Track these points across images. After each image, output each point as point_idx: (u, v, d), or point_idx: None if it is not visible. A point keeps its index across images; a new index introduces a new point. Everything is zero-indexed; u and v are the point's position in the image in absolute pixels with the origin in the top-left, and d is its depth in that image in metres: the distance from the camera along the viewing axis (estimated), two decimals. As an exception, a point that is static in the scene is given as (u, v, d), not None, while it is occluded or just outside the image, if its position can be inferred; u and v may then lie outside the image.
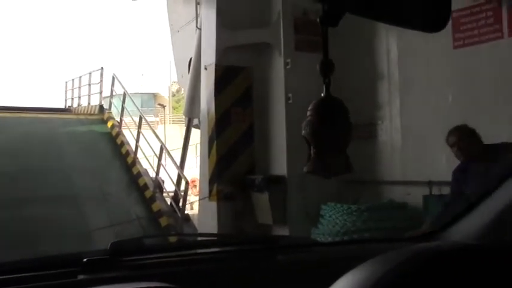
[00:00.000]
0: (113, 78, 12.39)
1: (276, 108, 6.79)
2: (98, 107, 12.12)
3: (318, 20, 0.94)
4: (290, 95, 6.63)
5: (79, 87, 14.38)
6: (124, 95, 11.12)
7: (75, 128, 11.08)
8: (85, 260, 1.53)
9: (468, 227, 1.61)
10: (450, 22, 4.42)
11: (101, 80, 13.04)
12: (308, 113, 1.03)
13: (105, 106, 12.57)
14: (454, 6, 5.56)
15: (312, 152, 1.02)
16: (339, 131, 1.03)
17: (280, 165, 6.65)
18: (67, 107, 15.09)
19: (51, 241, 5.96)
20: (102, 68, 13.28)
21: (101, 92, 12.71)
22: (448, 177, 5.68)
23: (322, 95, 1.05)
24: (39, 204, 7.51)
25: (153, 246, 1.88)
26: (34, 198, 7.57)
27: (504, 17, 5.33)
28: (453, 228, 1.70)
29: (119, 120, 11.12)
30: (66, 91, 15.53)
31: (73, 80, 15.03)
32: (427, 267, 1.03)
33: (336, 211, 6.02)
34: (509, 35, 5.28)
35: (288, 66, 6.70)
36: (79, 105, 13.96)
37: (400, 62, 6.37)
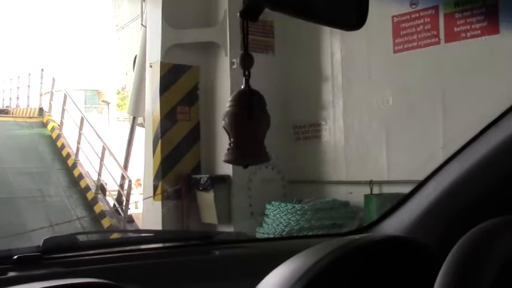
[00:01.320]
0: (53, 79, 12.12)
1: (222, 107, 6.79)
2: (37, 110, 11.80)
3: (238, 14, 0.96)
4: (235, 94, 6.63)
5: (17, 88, 13.96)
6: (65, 96, 10.86)
7: (14, 132, 10.76)
8: (15, 257, 1.49)
9: (399, 221, 1.68)
10: (390, 27, 4.56)
11: (41, 82, 12.71)
12: (228, 104, 1.06)
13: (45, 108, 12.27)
14: (395, 11, 5.77)
15: (230, 141, 1.04)
16: (257, 122, 1.06)
17: (225, 165, 6.64)
18: (4, 107, 14.59)
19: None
20: (42, 69, 12.98)
21: (40, 95, 12.38)
22: (388, 177, 5.90)
23: (242, 87, 1.08)
24: None
25: (88, 243, 1.85)
26: None
27: (441, 23, 5.56)
28: (385, 222, 1.76)
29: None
30: (3, 90, 15.01)
31: (11, 79, 14.54)
32: (354, 256, 1.07)
33: (280, 210, 6.09)
34: (446, 40, 5.51)
35: (233, 66, 6.72)
36: (17, 106, 13.55)
37: (344, 64, 6.53)
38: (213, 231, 2.20)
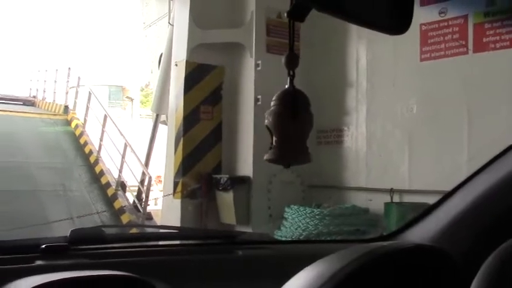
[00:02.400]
0: (79, 78, 12.37)
1: (245, 109, 6.82)
2: (62, 107, 12.05)
3: (285, 14, 0.97)
4: (259, 96, 6.66)
5: (44, 81, 14.28)
6: (89, 94, 11.06)
7: (39, 128, 10.99)
8: (43, 246, 1.51)
9: (424, 230, 1.66)
10: (418, 35, 4.52)
11: (67, 80, 12.94)
12: (272, 103, 1.06)
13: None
14: (423, 19, 5.74)
15: (273, 141, 1.04)
16: (300, 122, 1.06)
17: (246, 166, 6.68)
18: (31, 96, 14.94)
19: (8, 231, 5.86)
20: (69, 68, 13.25)
21: (66, 92, 12.63)
22: (409, 186, 5.85)
23: (286, 86, 1.08)
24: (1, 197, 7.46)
25: (114, 236, 1.86)
26: None
27: (470, 33, 5.50)
28: (409, 231, 1.75)
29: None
30: (31, 80, 15.38)
31: (39, 71, 14.90)
32: (381, 263, 1.07)
33: (299, 214, 6.08)
34: (474, 51, 5.44)
35: (258, 68, 6.74)
36: (43, 99, 13.85)
37: (369, 70, 6.50)
38: (236, 231, 2.20)
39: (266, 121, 1.05)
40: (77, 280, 1.34)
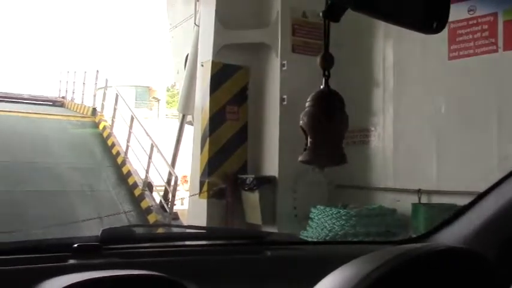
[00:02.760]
0: (106, 80, 12.57)
1: (271, 109, 6.82)
2: (91, 110, 12.28)
3: (320, 14, 0.96)
4: (285, 96, 6.65)
5: (73, 82, 14.57)
6: (116, 96, 11.24)
7: (69, 131, 11.23)
8: (75, 245, 1.54)
9: (456, 233, 1.64)
10: (446, 34, 4.45)
11: (96, 83, 13.17)
12: (307, 104, 1.06)
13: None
14: (451, 17, 5.65)
15: (308, 142, 1.04)
16: (336, 123, 1.05)
17: (271, 166, 6.68)
18: (60, 97, 15.26)
19: (38, 228, 6.01)
20: (97, 71, 13.45)
21: (94, 95, 12.85)
22: (437, 187, 5.77)
23: (321, 87, 1.08)
24: (30, 197, 7.64)
25: (143, 236, 1.89)
26: (25, 192, 7.80)
27: (500, 31, 5.39)
28: (441, 233, 1.73)
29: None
30: (60, 81, 15.71)
31: (68, 72, 15.20)
32: (415, 265, 1.05)
33: (325, 214, 6.04)
34: (504, 49, 5.33)
35: (284, 68, 6.73)
36: (72, 100, 14.14)
37: (396, 70, 6.42)
38: (264, 232, 2.20)
39: (301, 122, 1.04)
40: (109, 279, 1.36)
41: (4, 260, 1.46)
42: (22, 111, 11.72)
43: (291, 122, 6.54)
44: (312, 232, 6.11)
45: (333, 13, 0.94)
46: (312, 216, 6.20)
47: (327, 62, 1.05)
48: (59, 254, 1.51)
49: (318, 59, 1.07)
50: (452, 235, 1.61)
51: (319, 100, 1.05)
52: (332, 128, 1.05)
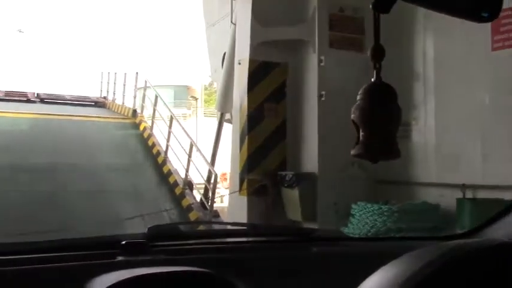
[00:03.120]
0: (145, 82, 12.81)
1: (309, 105, 6.78)
2: (131, 111, 12.54)
3: (370, 6, 0.94)
4: (323, 92, 6.60)
5: (114, 84, 14.90)
6: (156, 97, 11.44)
7: (110, 132, 11.51)
8: (123, 242, 1.57)
9: (505, 227, 1.59)
10: (489, 24, 4.29)
11: (135, 85, 13.43)
12: (358, 97, 1.04)
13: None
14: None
15: (360, 135, 1.02)
16: (388, 116, 1.03)
17: (311, 162, 6.64)
18: (101, 97, 15.66)
19: (84, 226, 6.17)
20: (136, 72, 13.71)
21: (134, 97, 13.12)
22: (483, 181, 5.60)
23: (373, 79, 1.05)
24: (75, 196, 7.87)
25: (188, 233, 1.91)
26: (70, 191, 8.05)
27: (547, 18, 5.19)
28: (489, 228, 1.68)
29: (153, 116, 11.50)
30: (101, 82, 16.12)
31: (109, 73, 15.56)
32: (466, 262, 1.02)
33: (366, 211, 5.98)
34: (552, 37, 5.14)
35: (321, 64, 6.68)
36: (113, 100, 14.48)
37: (437, 62, 6.28)
38: (309, 228, 2.19)
39: (352, 115, 1.02)
40: (158, 276, 1.38)
41: (55, 257, 1.50)
42: (66, 114, 12.04)
43: (330, 118, 6.54)
44: (353, 228, 6.06)
45: (382, 4, 0.92)
46: (353, 213, 6.14)
47: (378, 54, 1.02)
48: (107, 251, 1.55)
49: (369, 52, 1.04)
50: (501, 230, 1.56)
51: (371, 93, 1.03)
52: (385, 121, 1.02)
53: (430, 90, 6.34)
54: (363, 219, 5.99)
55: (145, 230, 1.67)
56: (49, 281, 1.42)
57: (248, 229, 2.11)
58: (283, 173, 6.70)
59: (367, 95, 1.02)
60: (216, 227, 1.99)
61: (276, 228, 2.40)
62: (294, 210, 6.57)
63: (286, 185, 6.60)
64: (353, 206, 6.16)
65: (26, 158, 8.93)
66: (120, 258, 1.53)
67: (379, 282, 0.98)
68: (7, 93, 15.00)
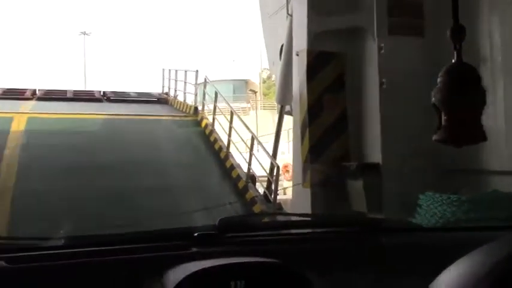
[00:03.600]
0: (205, 79, 13.05)
1: (370, 94, 6.65)
2: (193, 108, 12.82)
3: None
4: (384, 80, 6.46)
5: (175, 81, 15.28)
6: (216, 94, 11.64)
7: (174, 130, 11.84)
8: (196, 234, 1.60)
9: None
10: None
11: (196, 83, 13.67)
12: (439, 80, 0.99)
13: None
14: None
15: (442, 120, 0.97)
16: (472, 97, 0.98)
17: (375, 152, 6.51)
18: (163, 93, 16.12)
19: (151, 220, 6.36)
20: (197, 70, 14.00)
21: (195, 95, 13.39)
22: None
23: (453, 61, 1.01)
24: (141, 191, 8.14)
25: (257, 225, 1.91)
26: (137, 187, 8.30)
27: None
28: None
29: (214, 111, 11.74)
30: (163, 78, 16.61)
31: (169, 70, 15.97)
32: None
33: (434, 201, 5.79)
34: None
35: (381, 51, 6.52)
36: (175, 97, 14.85)
37: (504, 44, 5.98)
38: (379, 218, 2.14)
39: (433, 99, 0.98)
40: (231, 266, 1.40)
41: (130, 249, 1.55)
42: (132, 113, 12.48)
43: (393, 106, 6.38)
44: (420, 219, 5.89)
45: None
46: (420, 203, 5.96)
47: (458, 34, 0.98)
48: (181, 242, 1.58)
49: (448, 32, 1.00)
50: None
51: (453, 75, 0.98)
52: (468, 103, 0.97)
53: (499, 73, 6.06)
54: (430, 210, 5.81)
55: (214, 223, 1.69)
56: (125, 272, 1.46)
57: (316, 220, 2.10)
58: (347, 163, 6.62)
59: (448, 77, 0.97)
60: (284, 218, 1.99)
61: (343, 218, 2.37)
62: (358, 201, 6.47)
63: (350, 176, 6.51)
64: (420, 196, 5.99)
65: (95, 156, 9.33)
66: (193, 249, 1.56)
67: (458, 274, 0.93)
68: (75, 93, 15.71)
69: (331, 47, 6.89)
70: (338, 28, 6.82)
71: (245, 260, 1.44)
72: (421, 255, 1.58)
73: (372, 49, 6.61)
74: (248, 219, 1.77)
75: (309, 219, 2.20)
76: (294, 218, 1.98)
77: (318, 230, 1.90)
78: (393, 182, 6.34)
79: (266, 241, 1.74)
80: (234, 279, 1.35)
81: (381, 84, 6.46)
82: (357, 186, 6.42)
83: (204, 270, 1.34)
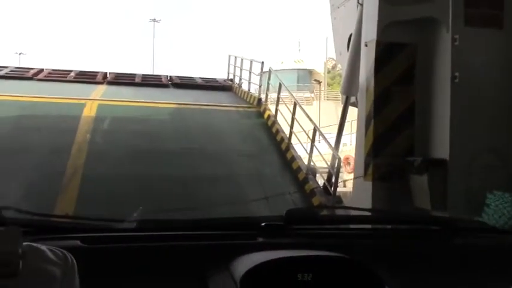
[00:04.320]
0: (269, 71, 13.06)
1: (440, 87, 6.41)
2: (256, 100, 12.93)
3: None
4: (457, 73, 6.21)
5: (240, 69, 15.40)
6: (279, 85, 11.67)
7: (236, 120, 11.98)
8: (263, 224, 1.60)
9: None
10: None
11: (261, 74, 13.70)
12: None
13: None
14: None
15: None
16: None
17: (442, 148, 6.30)
18: (228, 80, 16.30)
19: (213, 207, 6.48)
20: (262, 62, 14.02)
21: (260, 86, 13.45)
22: None
23: None
24: (204, 179, 8.37)
25: (323, 218, 1.89)
26: (200, 175, 8.51)
27: None
28: None
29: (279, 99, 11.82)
30: (229, 65, 16.78)
31: (235, 58, 16.09)
32: None
33: (503, 201, 5.56)
34: None
35: (455, 43, 6.27)
36: (240, 86, 15.01)
37: None
38: (452, 217, 2.05)
39: None
40: (298, 259, 1.39)
41: (199, 235, 1.57)
42: (198, 103, 12.73)
43: (464, 101, 6.14)
44: (488, 219, 5.66)
45: None
46: (488, 203, 5.73)
47: None
48: (248, 232, 1.59)
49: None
50: None
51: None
52: None
53: None
54: (499, 210, 5.58)
55: (274, 213, 1.69)
56: (193, 258, 1.48)
57: (386, 216, 2.05)
58: (411, 158, 6.44)
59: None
60: (351, 212, 1.95)
61: (416, 215, 2.30)
62: (422, 198, 6.29)
63: (414, 171, 6.33)
64: (488, 195, 5.76)
65: (161, 143, 9.64)
66: (260, 239, 1.56)
67: None
68: (143, 78, 16.14)
69: (401, 37, 6.69)
70: (409, 19, 6.61)
71: (314, 253, 1.42)
72: (498, 258, 1.51)
73: (445, 41, 6.37)
74: (315, 212, 1.75)
75: (379, 214, 2.14)
76: (360, 213, 1.94)
77: (388, 227, 1.85)
78: (460, 179, 6.13)
79: (333, 235, 1.71)
80: (302, 272, 1.34)
81: (453, 78, 6.22)
82: (420, 181, 6.24)
83: (272, 261, 1.33)
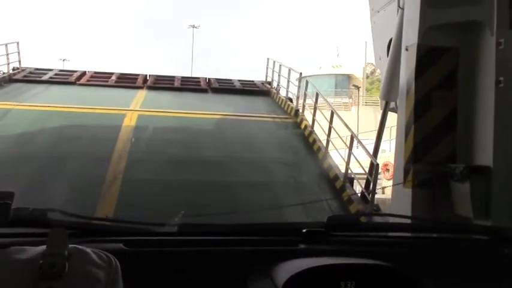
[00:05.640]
0: (306, 82, 13.20)
1: (484, 92, 6.25)
2: (294, 111, 13.03)
3: None
4: (501, 78, 6.04)
5: (279, 75, 15.50)
6: (316, 95, 11.72)
7: (274, 131, 12.13)
8: (304, 230, 1.58)
9: None
10: None
11: (298, 86, 13.76)
12: None
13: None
14: None
15: None
16: None
17: (485, 155, 6.12)
18: (266, 83, 16.43)
19: (250, 213, 6.51)
20: (300, 73, 14.10)
21: (297, 98, 13.54)
22: None
23: None
24: (241, 186, 8.52)
25: (365, 225, 1.86)
26: (237, 182, 8.75)
27: None
28: None
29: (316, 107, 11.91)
30: (267, 68, 16.94)
31: (274, 62, 16.19)
32: None
33: (550, 210, 5.35)
34: None
35: (500, 47, 6.09)
36: (277, 91, 15.11)
37: None
38: (499, 226, 1.99)
39: None
40: (340, 267, 1.36)
41: (240, 240, 1.57)
42: (236, 114, 12.86)
43: (509, 106, 5.95)
44: (533, 229, 5.47)
45: None
46: (534, 212, 5.55)
47: None
48: (290, 238, 1.57)
49: None
50: None
51: None
52: None
53: None
54: (546, 220, 5.38)
55: (311, 220, 1.67)
56: (235, 263, 1.48)
57: (430, 224, 2.00)
58: (453, 165, 6.28)
59: None
60: (394, 220, 1.91)
61: (460, 225, 2.24)
62: (463, 206, 6.13)
63: (455, 178, 6.18)
64: (534, 205, 5.57)
65: (199, 152, 9.85)
66: (301, 246, 1.55)
67: None
68: (182, 81, 16.40)
69: (443, 41, 6.54)
70: (452, 22, 6.47)
71: (357, 261, 1.40)
72: None
73: (489, 44, 6.20)
74: (356, 219, 1.72)
75: (423, 223, 2.09)
76: (402, 220, 1.89)
77: (432, 235, 1.81)
78: (503, 187, 5.94)
79: (374, 242, 1.68)
80: (345, 280, 1.31)
81: (498, 82, 6.05)
82: (462, 189, 6.08)
83: (315, 268, 1.32)
